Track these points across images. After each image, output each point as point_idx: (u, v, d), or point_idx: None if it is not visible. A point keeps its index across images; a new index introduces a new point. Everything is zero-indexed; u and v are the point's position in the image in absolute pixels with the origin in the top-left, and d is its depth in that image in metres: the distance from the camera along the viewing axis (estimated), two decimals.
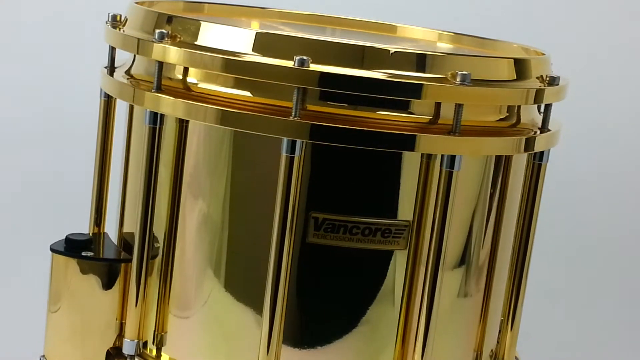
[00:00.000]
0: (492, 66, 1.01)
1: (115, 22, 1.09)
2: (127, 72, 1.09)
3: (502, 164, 1.07)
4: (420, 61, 0.96)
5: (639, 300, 1.92)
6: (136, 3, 1.11)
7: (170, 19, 1.03)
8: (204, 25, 1.00)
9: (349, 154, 0.96)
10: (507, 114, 1.05)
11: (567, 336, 1.74)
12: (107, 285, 1.07)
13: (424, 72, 0.96)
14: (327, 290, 1.00)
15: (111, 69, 1.12)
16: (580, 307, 1.86)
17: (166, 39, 0.98)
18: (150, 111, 1.00)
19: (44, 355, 1.11)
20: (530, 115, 1.09)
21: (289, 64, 0.93)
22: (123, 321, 1.08)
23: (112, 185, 1.18)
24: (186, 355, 1.06)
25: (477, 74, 0.96)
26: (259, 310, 1.00)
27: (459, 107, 0.96)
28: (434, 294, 0.98)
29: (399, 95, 0.95)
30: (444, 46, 1.33)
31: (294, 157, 0.93)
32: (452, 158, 0.96)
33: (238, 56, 0.96)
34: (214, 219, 1.01)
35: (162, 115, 1.00)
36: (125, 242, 1.12)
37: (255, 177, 1.00)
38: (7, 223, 1.88)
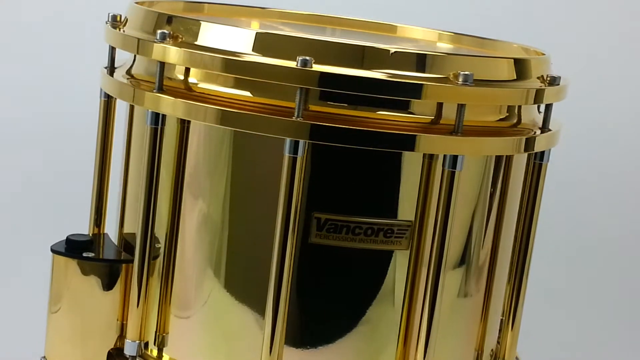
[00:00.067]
0: (492, 66, 1.01)
1: (115, 22, 1.09)
2: (128, 72, 1.09)
3: (502, 163, 1.07)
4: (420, 61, 0.96)
5: (639, 300, 1.92)
6: (136, 3, 1.11)
7: (170, 19, 1.03)
8: (205, 26, 1.00)
9: (352, 154, 0.96)
10: (507, 114, 1.05)
11: (567, 336, 1.74)
12: (108, 286, 1.07)
13: (424, 72, 0.96)
14: (329, 290, 1.00)
15: (111, 69, 1.12)
16: (580, 307, 1.86)
17: (168, 39, 0.98)
18: (152, 112, 1.00)
19: (44, 357, 1.11)
20: (531, 115, 1.09)
21: (289, 64, 0.93)
22: (124, 322, 1.08)
23: (111, 186, 1.18)
24: (186, 355, 1.06)
25: (478, 74, 0.96)
26: (259, 310, 1.00)
27: (461, 107, 0.96)
28: (436, 293, 0.98)
29: (399, 95, 0.95)
30: (444, 46, 1.33)
31: (296, 157, 0.93)
32: (455, 158, 0.96)
33: (238, 56, 0.96)
34: (214, 219, 1.01)
35: (163, 116, 1.00)
36: (126, 243, 1.12)
37: (255, 177, 1.00)
38: (7, 223, 1.88)
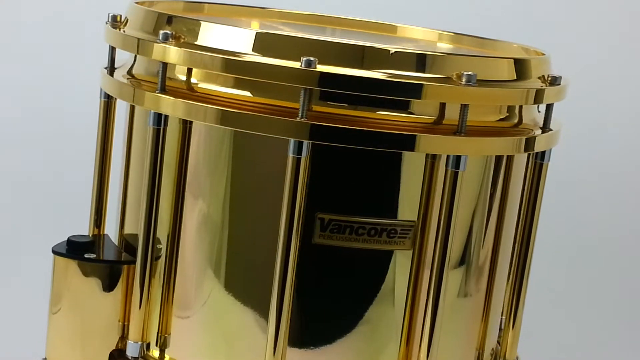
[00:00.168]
0: (492, 66, 1.01)
1: (115, 22, 1.09)
2: (129, 72, 1.09)
3: (502, 163, 1.07)
4: (420, 61, 0.96)
5: (639, 300, 1.92)
6: (136, 3, 1.11)
7: (170, 19, 1.03)
8: (206, 26, 0.99)
9: (355, 155, 0.96)
10: (507, 114, 1.05)
11: (567, 336, 1.74)
12: (109, 287, 1.07)
13: (424, 72, 0.96)
14: (332, 290, 1.00)
15: (111, 69, 1.12)
16: (581, 307, 1.86)
17: (170, 39, 0.98)
18: (154, 112, 1.00)
19: (45, 358, 1.11)
20: (531, 115, 1.09)
21: (290, 64, 0.93)
22: (125, 323, 1.08)
23: (111, 187, 1.18)
24: (186, 355, 1.06)
25: (479, 74, 0.96)
26: (259, 310, 1.00)
27: (464, 108, 0.96)
28: (439, 293, 0.98)
29: (399, 95, 0.95)
30: (444, 46, 1.33)
31: (300, 158, 0.93)
32: (458, 158, 0.96)
33: (239, 56, 0.95)
34: (214, 219, 1.01)
35: (165, 117, 1.00)
36: (127, 244, 1.12)
37: (256, 177, 1.00)
38: (7, 223, 1.88)
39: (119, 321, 1.08)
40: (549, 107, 1.09)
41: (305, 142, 0.93)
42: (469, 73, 0.95)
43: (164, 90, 0.99)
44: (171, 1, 1.26)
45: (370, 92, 0.94)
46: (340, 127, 0.93)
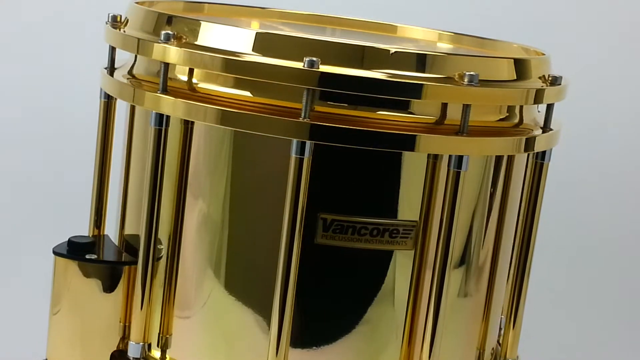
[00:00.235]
0: (493, 66, 1.01)
1: (116, 22, 1.09)
2: (129, 72, 1.09)
3: (502, 163, 1.07)
4: (420, 61, 0.96)
5: (639, 300, 1.92)
6: (136, 3, 1.11)
7: (170, 19, 1.03)
8: (207, 26, 0.99)
9: (358, 155, 0.96)
10: (507, 114, 1.05)
11: (566, 336, 1.74)
12: (110, 287, 1.07)
13: (424, 72, 0.96)
14: (334, 290, 1.00)
15: (111, 69, 1.12)
16: (581, 307, 1.86)
17: (172, 40, 0.98)
18: (156, 113, 0.99)
19: (46, 359, 1.11)
20: (532, 115, 1.09)
21: (291, 64, 0.93)
22: (126, 324, 1.08)
23: (111, 187, 1.18)
24: (186, 355, 1.06)
25: (479, 74, 0.96)
26: (259, 310, 1.00)
27: (466, 108, 0.96)
28: (441, 293, 0.99)
29: (400, 95, 0.95)
30: (444, 46, 1.33)
31: (303, 158, 0.93)
32: (460, 158, 0.96)
33: (238, 56, 0.95)
34: (214, 219, 1.01)
35: (167, 117, 1.00)
36: (127, 244, 1.12)
37: (256, 177, 1.00)
38: (7, 223, 1.88)
39: (120, 322, 1.08)
40: (550, 107, 1.09)
41: (308, 143, 0.93)
42: (471, 73, 0.95)
43: (165, 90, 0.99)
44: (171, 1, 1.26)
45: (370, 92, 0.94)
46: (343, 127, 0.93)
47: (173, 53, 0.97)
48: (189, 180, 1.02)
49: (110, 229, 1.17)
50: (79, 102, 1.91)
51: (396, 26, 1.38)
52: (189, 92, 1.00)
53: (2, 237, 1.82)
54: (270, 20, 1.36)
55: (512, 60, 1.03)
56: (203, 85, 1.00)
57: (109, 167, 1.17)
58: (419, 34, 1.36)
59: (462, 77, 0.95)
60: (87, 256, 1.07)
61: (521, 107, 1.06)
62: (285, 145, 0.95)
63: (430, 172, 0.98)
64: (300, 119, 0.93)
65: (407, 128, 0.97)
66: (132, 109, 1.10)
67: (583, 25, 2.17)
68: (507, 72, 1.02)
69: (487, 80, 0.98)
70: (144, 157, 1.07)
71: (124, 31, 1.06)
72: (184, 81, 1.01)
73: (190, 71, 1.00)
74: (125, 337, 1.08)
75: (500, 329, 1.18)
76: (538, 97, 1.03)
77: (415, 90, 0.94)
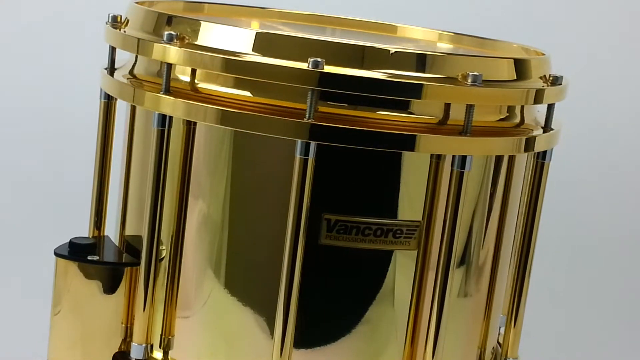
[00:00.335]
0: (493, 66, 1.01)
1: (116, 22, 1.09)
2: (130, 72, 1.09)
3: (502, 163, 1.07)
4: (420, 61, 0.96)
5: (639, 300, 1.92)
6: (136, 3, 1.11)
7: (170, 19, 1.03)
8: (209, 26, 0.99)
9: (361, 155, 0.96)
10: (508, 114, 1.05)
11: (566, 336, 1.74)
12: (111, 289, 1.07)
13: (424, 72, 0.96)
14: (338, 290, 1.00)
15: (111, 69, 1.12)
16: (580, 306, 1.86)
17: (175, 40, 0.98)
18: (158, 114, 0.99)
19: None
20: (533, 114, 1.10)
21: (292, 64, 0.92)
22: (128, 325, 1.08)
23: (111, 188, 1.18)
24: (186, 355, 1.06)
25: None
26: (259, 310, 1.00)
27: (470, 108, 0.96)
28: (444, 293, 0.99)
29: (400, 95, 0.95)
30: (444, 46, 1.33)
31: (307, 159, 0.93)
32: (463, 158, 0.96)
33: (238, 56, 0.95)
34: (214, 219, 1.01)
35: (170, 118, 1.00)
36: (128, 245, 1.12)
37: (256, 177, 1.00)
38: (7, 223, 1.88)
39: (121, 323, 1.08)
40: (551, 107, 1.09)
41: (313, 143, 0.93)
42: (475, 73, 0.95)
43: (168, 91, 0.99)
44: (171, 1, 1.26)
45: (370, 92, 0.94)
46: (348, 128, 0.93)
47: (173, 53, 0.97)
48: (191, 180, 1.02)
49: (110, 230, 1.17)
50: (79, 102, 1.92)
51: (396, 26, 1.38)
52: (191, 92, 1.00)
53: (2, 237, 1.82)
54: (270, 20, 1.36)
55: (512, 60, 1.03)
56: (203, 85, 1.00)
57: (109, 168, 1.17)
58: (419, 34, 1.36)
59: (465, 77, 0.95)
60: (89, 257, 1.07)
61: (522, 107, 1.06)
62: (285, 145, 0.95)
63: (433, 173, 0.99)
64: (305, 120, 0.93)
65: (407, 128, 0.97)
66: (133, 109, 1.10)
67: (583, 25, 2.17)
68: (507, 72, 1.02)
69: (487, 80, 0.98)
70: (144, 157, 1.07)
71: (124, 31, 1.06)
72: (185, 81, 1.01)
73: (193, 71, 1.00)
74: (127, 339, 1.08)
75: (501, 327, 1.18)
76: (538, 97, 1.03)
77: (415, 90, 0.94)
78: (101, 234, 1.17)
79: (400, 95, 0.95)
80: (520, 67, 1.03)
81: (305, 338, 1.00)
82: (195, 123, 1.00)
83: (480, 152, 1.00)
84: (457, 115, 0.98)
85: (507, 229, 1.10)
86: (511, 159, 1.08)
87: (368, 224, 0.98)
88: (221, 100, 0.98)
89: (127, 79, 1.07)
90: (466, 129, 0.96)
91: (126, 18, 1.09)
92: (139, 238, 1.07)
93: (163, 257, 1.04)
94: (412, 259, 1.00)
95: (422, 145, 0.95)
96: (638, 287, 1.96)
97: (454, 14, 2.11)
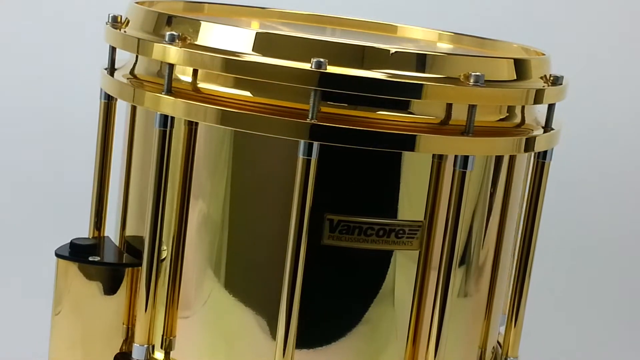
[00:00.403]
0: (493, 66, 1.01)
1: (116, 22, 1.09)
2: (131, 72, 1.09)
3: (501, 163, 1.07)
4: (420, 61, 0.96)
5: (639, 300, 1.92)
6: (136, 3, 1.11)
7: (170, 19, 1.02)
8: (209, 26, 0.99)
9: (364, 155, 0.96)
10: (507, 114, 1.05)
11: (566, 336, 1.74)
12: (112, 289, 1.07)
13: (424, 72, 0.96)
14: (341, 290, 1.00)
15: (111, 69, 1.12)
16: (580, 307, 1.86)
17: (177, 41, 0.98)
18: (160, 114, 0.99)
19: None
20: (533, 114, 1.10)
21: (292, 64, 0.92)
22: (130, 326, 1.08)
23: (111, 188, 1.18)
24: (186, 355, 1.05)
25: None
26: (259, 310, 1.00)
27: (472, 108, 0.96)
28: (447, 293, 0.99)
29: (400, 95, 0.95)
30: (444, 46, 1.33)
31: (310, 159, 0.93)
32: (466, 159, 0.96)
33: (237, 56, 0.95)
34: (214, 219, 1.01)
35: (172, 118, 0.99)
36: (129, 246, 1.12)
37: (256, 177, 1.00)
38: (7, 223, 1.88)
39: (123, 324, 1.08)
40: (551, 107, 1.09)
41: (316, 144, 0.93)
42: (477, 74, 0.95)
43: (170, 91, 0.99)
44: (171, 1, 1.26)
45: (372, 92, 0.94)
46: (351, 128, 0.93)
47: (173, 53, 0.97)
48: (192, 180, 1.02)
49: (110, 230, 1.17)
50: (79, 102, 1.92)
51: (396, 26, 1.38)
52: (192, 92, 1.00)
53: (2, 237, 1.82)
54: (270, 20, 1.36)
55: (512, 60, 1.03)
56: (204, 85, 1.00)
57: (109, 168, 1.17)
58: (419, 34, 1.36)
59: (467, 77, 0.95)
60: (90, 258, 1.07)
61: (522, 106, 1.06)
62: (285, 145, 0.95)
63: (435, 173, 0.99)
64: (308, 120, 0.93)
65: (408, 128, 0.97)
66: (133, 109, 1.10)
67: (583, 25, 2.17)
68: (507, 72, 1.02)
69: (488, 80, 0.98)
70: (144, 158, 1.07)
71: (125, 31, 1.06)
72: (185, 81, 1.01)
73: (195, 72, 1.00)
74: (128, 339, 1.08)
75: (501, 326, 1.18)
76: (539, 97, 1.03)
77: (415, 91, 0.94)
78: (101, 235, 1.17)
79: (400, 95, 0.95)
80: (521, 67, 1.03)
81: (307, 338, 1.00)
82: (197, 124, 1.00)
83: (483, 152, 1.00)
84: (457, 115, 0.98)
85: (507, 228, 1.11)
86: (511, 158, 1.08)
87: (370, 224, 0.98)
88: (222, 100, 0.98)
89: (127, 79, 1.07)
90: (468, 129, 0.96)
91: (126, 18, 1.09)
92: (139, 238, 1.07)
93: (164, 258, 1.04)
94: (414, 259, 1.00)
95: (422, 145, 0.95)
96: (638, 287, 1.96)
97: (454, 14, 2.11)
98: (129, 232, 1.12)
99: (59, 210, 1.90)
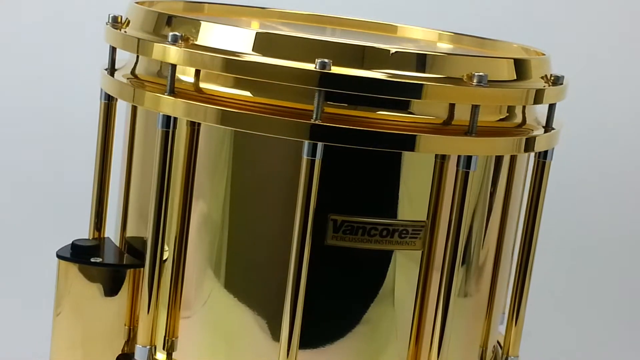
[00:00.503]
0: (494, 66, 1.01)
1: (116, 23, 1.09)
2: (132, 72, 1.09)
3: (502, 163, 1.07)
4: (420, 61, 0.96)
5: (639, 300, 1.92)
6: (136, 3, 1.11)
7: (170, 19, 1.02)
8: (209, 26, 0.99)
9: (368, 156, 0.96)
10: (508, 114, 1.05)
11: (566, 336, 1.74)
12: (113, 291, 1.06)
13: (424, 72, 0.96)
14: (344, 291, 1.00)
15: (112, 69, 1.11)
16: (580, 307, 1.86)
17: (180, 41, 0.98)
18: (163, 115, 0.99)
19: None
20: (534, 114, 1.10)
21: (292, 64, 0.92)
22: (131, 327, 1.07)
23: (111, 189, 1.18)
24: (186, 355, 1.05)
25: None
26: (259, 310, 1.00)
27: (475, 108, 0.96)
28: (450, 292, 0.99)
29: (400, 95, 0.95)
30: (444, 46, 1.33)
31: (314, 160, 0.93)
32: (469, 159, 0.96)
33: (238, 56, 0.95)
34: (214, 219, 1.01)
35: (175, 119, 0.99)
36: (129, 246, 1.12)
37: (256, 177, 1.00)
38: (7, 223, 1.88)
39: (125, 325, 1.08)
40: (551, 107, 1.09)
41: (320, 144, 0.93)
42: (480, 74, 0.95)
43: (172, 92, 0.99)
44: (171, 1, 1.26)
45: (371, 93, 0.94)
46: (354, 128, 0.93)
47: (173, 53, 0.97)
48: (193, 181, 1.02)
49: (110, 231, 1.17)
50: (79, 102, 1.92)
51: (396, 26, 1.38)
52: (194, 92, 1.00)
53: (2, 237, 1.82)
54: (270, 20, 1.36)
55: (513, 60, 1.03)
56: (205, 85, 1.00)
57: (110, 169, 1.17)
58: (419, 34, 1.36)
59: (470, 77, 0.95)
60: (92, 259, 1.07)
61: (523, 106, 1.06)
62: (286, 145, 0.95)
63: (438, 173, 0.99)
64: (312, 121, 0.93)
65: (409, 128, 0.97)
66: (134, 110, 1.10)
67: (583, 25, 2.17)
68: (507, 72, 1.02)
69: (488, 80, 0.98)
70: (145, 158, 1.07)
71: (125, 31, 1.06)
72: (186, 82, 1.01)
73: (197, 72, 1.00)
74: (130, 341, 1.08)
75: (501, 326, 1.18)
76: (539, 97, 1.03)
77: (415, 91, 0.94)
78: (101, 235, 1.17)
79: (400, 95, 0.95)
80: (521, 67, 1.03)
81: (311, 338, 1.00)
82: (199, 124, 1.00)
83: (484, 152, 1.00)
84: (458, 115, 0.98)
85: (508, 228, 1.11)
86: (512, 158, 1.08)
87: (374, 225, 0.98)
88: (223, 100, 0.98)
89: (128, 79, 1.07)
90: (471, 129, 0.96)
91: (126, 18, 1.09)
92: (140, 239, 1.07)
93: (167, 258, 1.04)
94: (417, 259, 1.00)
95: (422, 145, 0.95)
96: (638, 287, 1.96)
97: (454, 14, 2.11)
98: (129, 232, 1.12)
99: (59, 211, 1.90)
